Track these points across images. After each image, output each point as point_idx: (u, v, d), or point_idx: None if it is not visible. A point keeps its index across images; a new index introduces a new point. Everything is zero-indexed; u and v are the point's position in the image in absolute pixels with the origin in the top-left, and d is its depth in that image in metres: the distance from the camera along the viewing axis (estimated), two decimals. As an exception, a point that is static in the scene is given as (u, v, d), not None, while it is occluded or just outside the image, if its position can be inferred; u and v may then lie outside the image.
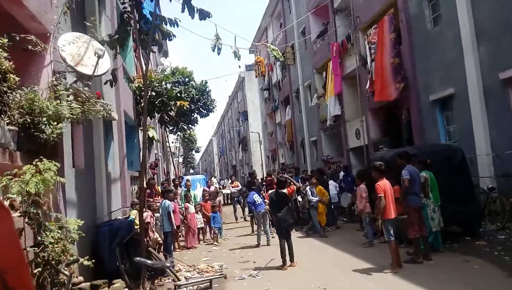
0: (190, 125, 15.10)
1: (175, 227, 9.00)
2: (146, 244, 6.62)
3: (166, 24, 5.97)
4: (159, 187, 12.38)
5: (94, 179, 7.03)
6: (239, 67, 22.18)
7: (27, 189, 3.61)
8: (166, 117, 13.43)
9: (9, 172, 3.79)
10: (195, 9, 5.62)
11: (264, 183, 12.64)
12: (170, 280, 6.80)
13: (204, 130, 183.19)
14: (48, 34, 5.18)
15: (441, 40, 11.03)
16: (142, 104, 11.42)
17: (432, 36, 11.45)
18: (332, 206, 11.26)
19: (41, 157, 4.05)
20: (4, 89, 4.12)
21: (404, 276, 6.06)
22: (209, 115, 14.73)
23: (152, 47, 6.39)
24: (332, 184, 11.95)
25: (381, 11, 13.88)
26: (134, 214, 8.03)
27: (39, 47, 4.72)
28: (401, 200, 7.35)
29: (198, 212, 11.47)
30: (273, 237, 9.88)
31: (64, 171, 5.21)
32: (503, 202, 8.52)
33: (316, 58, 20.38)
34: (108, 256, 6.12)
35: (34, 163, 3.89)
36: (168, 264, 5.69)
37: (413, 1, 12.02)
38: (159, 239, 8.62)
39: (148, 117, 13.52)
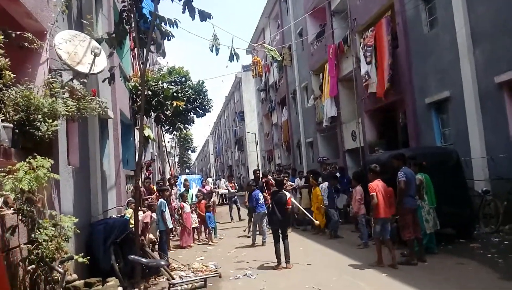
0: (186, 125, 15.05)
1: (169, 226, 8.97)
2: (140, 242, 6.60)
3: (165, 25, 5.96)
4: (154, 187, 12.35)
5: (89, 178, 7.01)
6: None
7: (20, 187, 3.58)
8: (162, 117, 13.40)
9: (2, 169, 3.77)
10: (196, 10, 5.62)
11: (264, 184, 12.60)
12: (164, 279, 6.78)
13: (201, 130, 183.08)
14: (44, 32, 5.17)
15: (437, 43, 11.09)
16: (138, 103, 11.44)
17: (428, 39, 11.52)
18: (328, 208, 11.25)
19: (35, 154, 4.02)
20: (0, 86, 4.10)
21: (398, 277, 6.09)
22: (205, 115, 14.69)
23: (150, 46, 6.37)
24: (326, 185, 11.94)
25: (378, 13, 13.96)
26: (129, 213, 8.00)
27: (35, 44, 4.71)
28: (397, 201, 7.39)
29: (193, 211, 11.46)
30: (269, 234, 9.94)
31: (59, 169, 5.19)
32: (497, 205, 8.58)
33: (313, 59, 20.43)
34: (103, 254, 6.10)
35: (27, 160, 3.86)
36: (162, 263, 5.68)
37: (409, 4, 12.09)
38: (153, 237, 8.60)
39: (144, 116, 13.49)
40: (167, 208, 9.03)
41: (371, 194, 6.82)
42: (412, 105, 12.32)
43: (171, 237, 10.85)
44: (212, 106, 14.47)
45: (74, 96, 5.36)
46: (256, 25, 31.31)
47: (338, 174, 14.59)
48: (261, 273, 7.17)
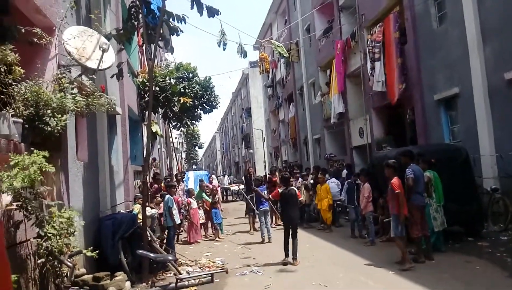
0: (193, 121, 15.09)
1: (177, 222, 9.01)
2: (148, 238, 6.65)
3: (174, 20, 5.96)
4: (162, 183, 12.41)
5: (98, 173, 7.07)
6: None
7: (13, 184, 3.53)
8: (169, 113, 13.43)
9: (6, 165, 3.77)
10: (204, 6, 5.62)
11: (267, 181, 12.61)
12: (171, 274, 6.83)
13: (207, 126, 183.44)
14: (53, 28, 5.20)
15: (446, 39, 10.97)
16: (146, 99, 11.48)
17: (437, 35, 11.40)
18: (335, 204, 11.24)
19: (32, 149, 4.00)
20: (9, 81, 4.14)
21: (405, 275, 6.06)
22: (212, 111, 14.71)
23: (158, 42, 6.39)
24: (334, 182, 11.92)
25: (386, 9, 13.83)
26: (137, 208, 8.06)
27: (44, 40, 4.74)
28: (406, 198, 7.35)
29: (200, 207, 11.51)
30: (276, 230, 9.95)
31: (68, 164, 5.24)
32: (506, 203, 8.49)
33: (321, 55, 20.33)
34: (111, 249, 6.16)
35: (22, 156, 3.81)
36: (170, 258, 5.71)
37: (418, 0, 11.96)
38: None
39: (152, 112, 13.54)
40: (174, 204, 9.07)
41: (396, 192, 6.53)
42: (421, 102, 12.22)
43: (179, 232, 10.91)
44: (219, 102, 14.48)
45: (83, 92, 5.40)
46: (263, 21, 31.20)
47: (345, 171, 14.59)
48: (268, 269, 7.18)
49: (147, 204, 7.18)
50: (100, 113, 6.75)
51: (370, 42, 14.38)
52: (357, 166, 16.21)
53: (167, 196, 9.01)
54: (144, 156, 6.71)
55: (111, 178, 7.73)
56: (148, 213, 7.15)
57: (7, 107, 4.10)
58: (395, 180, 6.67)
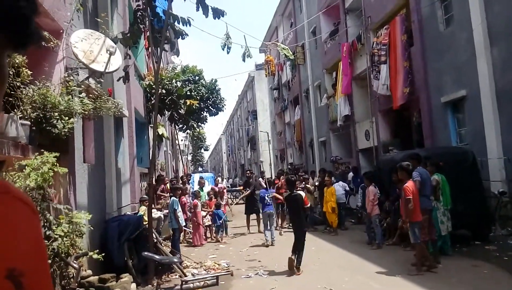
0: (199, 123, 15.16)
1: (182, 224, 9.02)
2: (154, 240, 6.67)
3: (179, 23, 6.00)
4: (168, 184, 12.46)
5: (104, 175, 7.11)
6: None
7: (27, 183, 3.62)
8: (175, 115, 13.50)
9: (17, 166, 3.84)
10: (209, 8, 5.64)
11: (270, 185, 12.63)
12: (177, 276, 6.84)
13: (213, 128, 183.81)
14: (61, 31, 5.25)
15: (453, 42, 10.91)
16: (153, 102, 11.54)
17: (444, 37, 11.34)
18: (340, 207, 11.21)
19: (42, 150, 4.07)
20: (17, 84, 4.18)
21: (411, 279, 6.02)
22: (218, 113, 14.78)
23: (164, 45, 6.43)
24: (339, 184, 11.89)
25: (393, 11, 13.79)
26: (143, 210, 8.09)
27: (52, 43, 4.79)
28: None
29: (205, 209, 11.53)
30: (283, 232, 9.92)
31: (75, 166, 5.28)
32: (514, 206, 8.43)
33: (327, 58, 20.31)
34: (117, 251, 6.19)
35: (34, 157, 3.90)
36: (175, 260, 5.73)
37: (425, 2, 11.91)
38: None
39: (158, 114, 13.60)
40: (179, 206, 9.09)
41: (407, 197, 6.23)
42: (428, 104, 12.15)
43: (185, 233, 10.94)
44: (225, 104, 14.54)
45: (90, 95, 5.44)
46: (269, 23, 31.26)
47: (351, 174, 14.54)
48: (273, 272, 7.16)
49: (153, 206, 7.21)
50: (107, 115, 6.80)
51: (376, 45, 14.34)
52: (363, 169, 16.14)
53: (172, 198, 9.03)
54: (150, 158, 6.74)
55: (118, 180, 7.77)
56: (154, 215, 7.18)
57: (15, 110, 4.14)
58: (408, 184, 6.36)
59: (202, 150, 60.42)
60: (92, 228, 4.93)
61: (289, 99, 29.20)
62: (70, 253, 4.15)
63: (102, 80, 5.97)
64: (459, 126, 11.28)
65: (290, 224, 9.18)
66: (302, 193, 7.86)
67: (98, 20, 6.42)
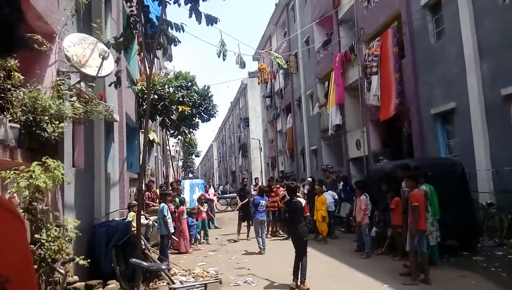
0: (191, 130, 15.13)
1: (171, 231, 8.95)
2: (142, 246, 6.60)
3: (172, 29, 6.01)
4: (158, 190, 12.38)
5: (93, 180, 7.04)
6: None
7: (37, 184, 3.67)
8: (167, 121, 13.47)
9: (16, 167, 3.83)
10: (202, 14, 5.66)
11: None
12: (165, 283, 6.78)
13: (205, 135, 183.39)
14: (54, 34, 5.23)
15: (443, 55, 11.09)
16: (144, 107, 11.50)
17: (435, 50, 11.52)
18: (330, 216, 11.23)
19: (47, 155, 4.10)
20: (8, 86, 4.15)
21: (399, 288, 6.04)
22: (210, 120, 14.77)
23: (156, 51, 6.43)
24: (329, 193, 11.94)
25: (385, 23, 13.99)
26: (131, 216, 8.01)
27: (44, 46, 4.76)
28: (401, 212, 7.35)
29: (192, 216, 11.47)
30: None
31: (64, 170, 5.22)
32: (501, 218, 8.52)
33: (319, 67, 20.48)
34: (104, 257, 6.12)
35: (43, 160, 3.95)
36: (163, 267, 5.68)
37: (416, 15, 12.11)
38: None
39: (150, 120, 13.55)
40: (169, 212, 9.03)
41: (414, 204, 6.28)
42: (418, 116, 12.30)
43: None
44: (217, 111, 14.54)
45: (82, 98, 5.41)
46: (263, 32, 31.46)
47: (341, 183, 14.61)
48: (262, 280, 7.13)
49: (142, 212, 7.15)
50: (97, 120, 6.76)
51: (367, 57, 14.52)
52: (353, 178, 16.22)
53: (162, 204, 8.97)
54: (141, 163, 6.70)
55: (107, 185, 7.71)
56: (143, 221, 7.12)
57: (5, 112, 4.11)
58: (415, 192, 6.45)
59: (193, 157, 60.21)
60: (80, 233, 4.88)
61: (281, 107, 29.32)
62: (56, 259, 4.10)
63: (93, 84, 5.94)
64: (448, 138, 11.43)
65: (285, 233, 9.03)
66: (303, 201, 7.43)
67: (92, 24, 6.41)
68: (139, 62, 13.17)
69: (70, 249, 4.63)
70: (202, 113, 14.23)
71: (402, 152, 13.98)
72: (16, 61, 4.15)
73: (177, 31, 6.01)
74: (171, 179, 21.39)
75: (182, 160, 54.34)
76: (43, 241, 3.98)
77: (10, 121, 4.15)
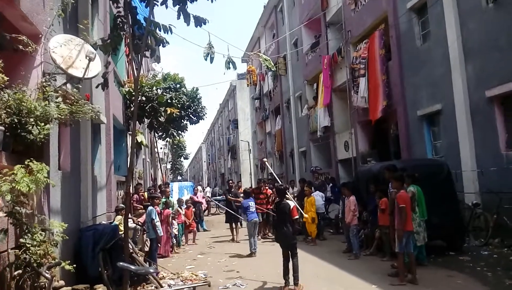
0: (179, 132, 15.04)
1: (160, 234, 8.87)
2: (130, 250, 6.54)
3: (160, 30, 5.97)
4: (146, 193, 12.28)
5: (80, 183, 6.95)
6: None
7: (18, 188, 3.58)
8: (155, 123, 13.38)
9: (1, 170, 3.76)
10: (191, 16, 5.64)
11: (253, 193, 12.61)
12: (153, 287, 6.72)
13: (194, 137, 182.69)
14: (39, 35, 5.16)
15: (429, 57, 11.25)
16: (132, 109, 11.41)
17: (421, 52, 11.68)
18: (319, 217, 11.28)
19: (31, 158, 4.03)
20: (-8, 88, 4.08)
21: (387, 288, 6.09)
22: (199, 122, 14.71)
23: (144, 52, 6.38)
24: (318, 194, 11.97)
25: (372, 26, 14.13)
26: (118, 220, 7.93)
27: (30, 47, 4.69)
28: (389, 212, 7.42)
29: (176, 219, 11.39)
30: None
31: (50, 173, 5.14)
32: (487, 218, 8.65)
33: (308, 69, 20.58)
34: (91, 261, 6.04)
35: (26, 163, 3.87)
36: (151, 271, 5.63)
37: (403, 18, 12.26)
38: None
39: (138, 122, 13.44)
40: (157, 215, 8.96)
41: (400, 206, 6.36)
42: (404, 117, 12.44)
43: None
44: (205, 113, 14.50)
45: (68, 100, 5.34)
46: (252, 34, 31.51)
47: (330, 184, 14.67)
48: (251, 282, 7.11)
49: (129, 216, 7.08)
50: (84, 121, 6.68)
51: (355, 59, 14.64)
52: (342, 179, 16.33)
53: (150, 207, 8.90)
54: (128, 166, 6.64)
55: (94, 188, 7.61)
56: (130, 225, 7.05)
57: (-11, 114, 4.03)
58: (402, 193, 6.54)
59: (182, 159, 59.96)
60: (66, 237, 4.80)
61: (270, 109, 29.38)
62: (42, 263, 4.03)
63: (80, 86, 5.87)
64: (435, 139, 11.58)
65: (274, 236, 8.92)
66: (291, 203, 7.15)
67: (79, 25, 6.34)
68: (127, 64, 13.06)
69: (56, 253, 4.56)
70: (190, 115, 14.16)
71: (390, 153, 14.12)
72: (0, 61, 4.07)
73: (165, 33, 5.97)
74: (159, 182, 21.25)
75: (171, 163, 54.06)
76: (28, 245, 3.90)
77: (-6, 123, 4.08)
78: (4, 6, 4.40)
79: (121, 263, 4.99)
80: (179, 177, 62.09)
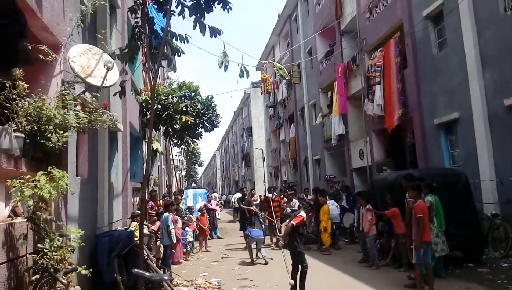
0: (194, 139, 15.13)
1: (174, 241, 8.90)
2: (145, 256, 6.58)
3: (176, 40, 6.06)
4: (161, 200, 12.37)
5: (97, 189, 7.05)
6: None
7: (41, 194, 3.70)
8: (171, 130, 13.49)
9: (21, 177, 3.86)
10: (207, 26, 5.71)
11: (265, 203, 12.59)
12: (167, 294, 6.73)
13: (208, 144, 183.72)
14: (59, 45, 5.29)
15: (446, 65, 11.11)
16: (148, 116, 11.56)
17: (437, 60, 11.55)
18: (334, 226, 11.17)
19: (51, 165, 4.14)
20: (13, 96, 4.19)
21: (404, 300, 5.99)
22: (213, 130, 14.78)
23: (161, 61, 6.48)
24: (333, 204, 11.87)
25: (387, 34, 14.05)
26: (133, 226, 8.00)
27: (50, 57, 4.82)
28: (406, 222, 7.30)
29: (189, 226, 11.47)
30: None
31: (68, 179, 5.24)
32: (506, 229, 8.43)
33: (322, 77, 20.55)
34: (107, 266, 6.09)
35: (48, 170, 3.99)
36: (166, 278, 5.64)
37: (419, 26, 12.17)
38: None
39: (153, 129, 13.60)
40: (172, 223, 9.00)
41: (418, 216, 6.28)
42: (421, 126, 12.28)
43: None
44: (220, 121, 14.56)
45: (86, 108, 5.45)
46: (266, 42, 31.67)
47: (344, 193, 14.53)
48: (265, 291, 7.08)
49: (145, 222, 7.14)
50: (101, 129, 6.79)
51: (370, 67, 14.56)
52: (357, 188, 16.16)
53: (165, 214, 8.95)
54: (144, 173, 6.71)
55: (110, 195, 7.71)
56: (145, 231, 7.10)
57: (10, 122, 4.14)
58: (419, 203, 6.43)
59: (196, 166, 60.22)
60: (83, 243, 4.87)
61: (284, 117, 29.37)
62: (59, 269, 4.09)
63: (98, 95, 5.98)
64: (452, 148, 11.39)
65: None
66: (303, 214, 6.83)
67: (97, 35, 6.48)
68: (144, 73, 13.26)
69: (72, 259, 4.62)
70: (205, 123, 14.24)
71: (406, 162, 13.93)
72: (21, 70, 4.19)
73: (181, 42, 6.06)
74: (174, 189, 21.39)
75: (185, 170, 54.36)
76: (46, 250, 3.97)
77: (14, 130, 4.18)
78: (26, 17, 4.53)
79: (136, 270, 5.02)
80: (193, 184, 62.33)
